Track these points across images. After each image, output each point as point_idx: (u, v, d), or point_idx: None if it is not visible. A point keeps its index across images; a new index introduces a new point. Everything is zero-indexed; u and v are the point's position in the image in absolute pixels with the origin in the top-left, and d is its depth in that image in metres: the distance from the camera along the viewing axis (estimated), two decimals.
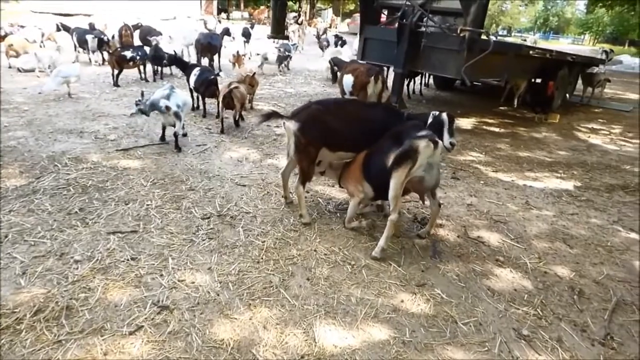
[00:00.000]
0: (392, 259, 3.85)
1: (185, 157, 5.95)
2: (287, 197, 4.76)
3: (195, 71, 7.97)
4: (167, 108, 5.86)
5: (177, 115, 6.00)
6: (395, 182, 3.58)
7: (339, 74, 9.14)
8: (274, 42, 19.39)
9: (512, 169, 6.65)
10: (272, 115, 4.12)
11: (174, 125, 6.08)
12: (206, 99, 8.20)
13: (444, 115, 4.18)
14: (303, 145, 4.09)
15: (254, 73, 9.19)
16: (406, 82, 11.58)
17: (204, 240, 3.92)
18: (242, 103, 7.88)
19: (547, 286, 3.69)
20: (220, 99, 7.42)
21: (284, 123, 4.14)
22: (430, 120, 4.25)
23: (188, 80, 8.21)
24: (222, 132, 7.25)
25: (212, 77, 7.84)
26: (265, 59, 14.58)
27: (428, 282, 3.59)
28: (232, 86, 7.58)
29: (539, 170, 6.66)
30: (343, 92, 8.72)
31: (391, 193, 3.63)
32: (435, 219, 4.23)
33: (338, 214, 4.62)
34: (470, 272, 3.78)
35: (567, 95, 12.70)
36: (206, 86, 7.82)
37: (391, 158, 3.59)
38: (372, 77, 7.95)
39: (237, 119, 7.79)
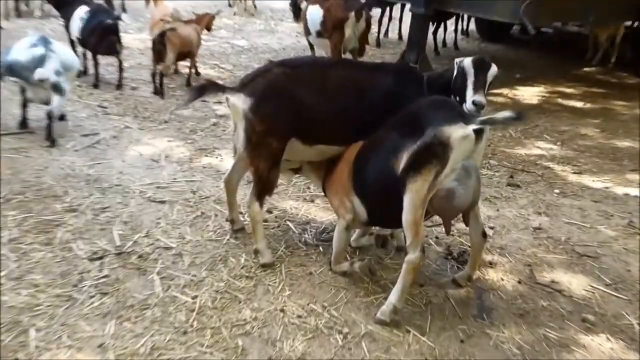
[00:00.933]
0: (411, 323, 3.80)
1: (63, 154, 5.85)
2: (234, 221, 4.71)
3: (81, 12, 7.88)
4: (42, 80, 5.75)
5: (56, 88, 5.89)
6: (412, 199, 3.52)
7: (303, 5, 9.46)
8: None
9: (606, 168, 6.72)
10: (207, 88, 4.07)
11: (47, 103, 5.96)
12: (100, 57, 8.11)
13: (467, 61, 4.19)
14: (258, 135, 4.04)
15: (218, 12, 9.36)
16: (432, 29, 11.67)
17: (92, 296, 3.82)
18: (187, 52, 8.28)
19: None
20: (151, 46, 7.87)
21: (227, 98, 4.10)
22: (455, 73, 4.26)
23: (68, 27, 8.11)
24: (160, 94, 7.80)
25: (110, 22, 7.73)
26: None
27: None
28: (167, 27, 7.87)
29: None
30: (308, 32, 9.17)
31: (407, 217, 3.57)
32: (480, 255, 4.19)
33: (321, 249, 4.56)
34: (540, 341, 3.75)
35: None
36: (99, 37, 7.74)
37: (403, 158, 3.55)
38: (353, 13, 8.22)
39: (158, 82, 8.02)
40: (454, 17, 12.79)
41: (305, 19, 8.97)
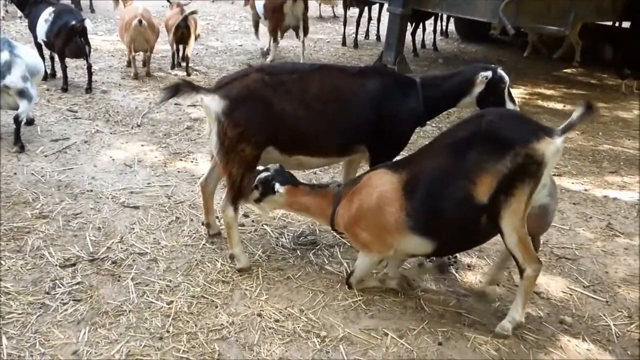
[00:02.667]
0: (389, 326, 3.89)
1: (32, 160, 5.88)
2: (210, 225, 4.77)
3: (47, 14, 7.83)
4: (7, 87, 5.77)
5: (23, 94, 5.91)
6: (512, 222, 3.54)
7: None
8: None
9: (585, 170, 6.88)
10: (181, 88, 4.05)
11: (15, 108, 5.99)
12: (67, 60, 8.14)
13: (502, 72, 4.43)
14: (231, 140, 4.08)
15: None
16: (410, 30, 11.81)
17: (65, 303, 3.86)
18: (196, 36, 9.89)
19: None
20: (172, 30, 9.14)
21: (201, 99, 4.12)
22: (480, 87, 4.39)
23: (33, 29, 8.09)
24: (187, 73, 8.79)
25: (75, 23, 7.72)
26: None
27: None
28: (188, 12, 9.16)
29: (629, 173, 6.92)
30: (257, 17, 11.11)
31: (511, 240, 3.60)
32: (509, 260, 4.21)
33: (298, 252, 4.64)
34: (518, 343, 3.84)
35: None
36: (66, 39, 7.73)
37: (486, 182, 3.50)
38: None
39: (187, 57, 9.58)
40: (433, 17, 12.92)
41: (254, 6, 10.83)
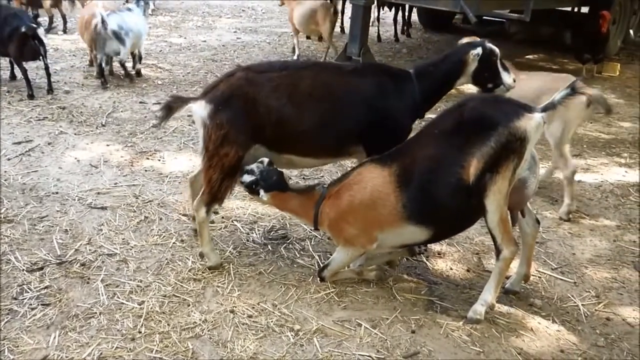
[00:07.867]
0: (362, 316, 3.91)
1: None
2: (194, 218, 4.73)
3: None
4: None
5: None
6: (496, 200, 3.61)
7: None
8: None
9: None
10: (173, 105, 4.11)
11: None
12: (26, 63, 7.94)
13: (491, 45, 4.40)
14: (215, 143, 4.05)
15: None
16: (373, 20, 11.83)
17: (33, 308, 3.81)
18: None
19: (611, 342, 3.87)
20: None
21: (192, 108, 4.13)
22: (473, 65, 4.35)
23: None
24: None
25: (27, 27, 7.48)
26: None
27: (422, 350, 3.67)
28: None
29: (592, 155, 7.04)
30: None
31: (493, 218, 3.67)
32: (534, 246, 4.26)
33: (269, 247, 4.64)
34: (489, 327, 3.90)
35: (632, 33, 13.43)
36: (19, 43, 7.52)
37: (472, 164, 3.58)
38: None
39: None
40: (395, 7, 12.94)
41: None
